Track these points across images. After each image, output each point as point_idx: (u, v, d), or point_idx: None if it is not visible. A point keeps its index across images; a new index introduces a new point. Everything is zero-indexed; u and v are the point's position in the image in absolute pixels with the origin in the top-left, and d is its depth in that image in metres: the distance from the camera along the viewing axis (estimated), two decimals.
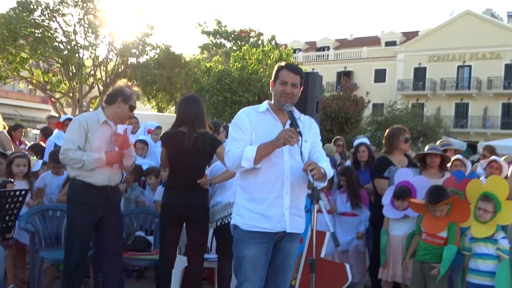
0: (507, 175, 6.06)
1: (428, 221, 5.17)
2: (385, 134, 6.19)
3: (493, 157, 6.94)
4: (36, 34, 23.26)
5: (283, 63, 3.79)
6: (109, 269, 5.01)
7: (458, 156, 7.02)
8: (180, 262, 5.32)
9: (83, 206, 4.84)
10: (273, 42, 38.20)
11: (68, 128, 4.97)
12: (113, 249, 5.00)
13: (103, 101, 5.15)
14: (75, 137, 4.78)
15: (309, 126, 3.82)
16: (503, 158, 7.06)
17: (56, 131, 8.56)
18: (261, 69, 29.07)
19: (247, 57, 30.23)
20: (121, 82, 5.36)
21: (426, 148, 6.32)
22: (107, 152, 4.83)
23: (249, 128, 3.64)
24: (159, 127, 8.25)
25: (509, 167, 6.28)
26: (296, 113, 3.71)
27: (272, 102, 3.78)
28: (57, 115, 11.97)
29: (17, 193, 4.37)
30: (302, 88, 3.79)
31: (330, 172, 3.68)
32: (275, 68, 3.79)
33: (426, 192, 5.18)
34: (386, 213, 5.66)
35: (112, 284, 5.00)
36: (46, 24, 24.09)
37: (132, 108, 5.02)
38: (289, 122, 3.64)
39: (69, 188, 4.98)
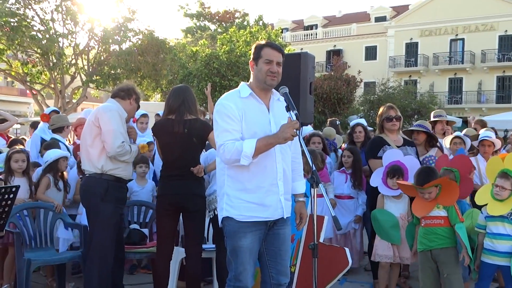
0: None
1: (417, 204, 5.12)
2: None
3: (456, 133, 7.13)
4: (12, 24, 22.23)
5: (263, 41, 3.75)
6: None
7: (457, 133, 7.09)
8: (178, 254, 5.29)
9: (116, 202, 4.95)
10: (260, 23, 37.35)
11: (111, 120, 4.85)
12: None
13: (112, 95, 5.16)
14: (122, 129, 4.89)
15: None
16: (484, 129, 7.30)
17: (41, 124, 8.21)
18: (250, 51, 28.13)
19: (235, 39, 29.41)
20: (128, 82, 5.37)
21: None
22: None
23: (238, 116, 3.54)
24: (144, 115, 8.14)
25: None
26: (276, 94, 3.75)
27: (252, 82, 3.72)
28: None
29: (8, 190, 4.21)
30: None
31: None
32: (254, 46, 3.72)
33: (415, 174, 5.16)
34: (382, 191, 5.61)
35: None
36: (21, 12, 23.03)
37: (138, 108, 5.32)
38: (275, 102, 3.72)
39: (92, 185, 4.89)
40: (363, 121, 9.13)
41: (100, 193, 4.86)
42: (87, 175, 5.02)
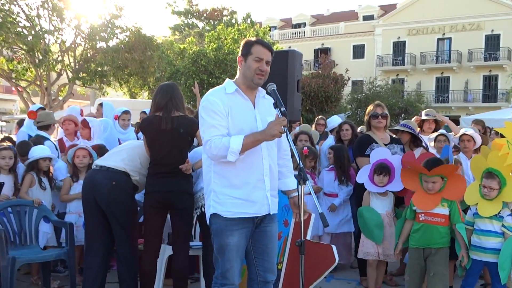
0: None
1: (419, 197, 5.04)
2: None
3: (440, 131, 7.09)
4: None
5: (253, 38, 3.70)
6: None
7: (441, 131, 7.05)
8: (165, 251, 5.29)
9: None
10: (248, 20, 37.29)
11: None
12: None
13: None
14: None
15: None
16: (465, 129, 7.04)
17: (26, 121, 8.08)
18: (238, 49, 28.12)
19: (222, 37, 29.35)
20: None
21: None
22: None
23: (224, 112, 3.51)
24: (125, 112, 8.16)
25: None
26: (261, 92, 3.72)
27: (238, 79, 3.68)
28: None
29: None
30: None
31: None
32: (244, 42, 3.67)
33: (423, 163, 5.11)
34: (369, 187, 5.62)
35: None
36: (6, 8, 22.77)
37: None
38: (260, 99, 3.69)
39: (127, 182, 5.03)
40: (337, 118, 9.25)
41: (132, 193, 5.09)
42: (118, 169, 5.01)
